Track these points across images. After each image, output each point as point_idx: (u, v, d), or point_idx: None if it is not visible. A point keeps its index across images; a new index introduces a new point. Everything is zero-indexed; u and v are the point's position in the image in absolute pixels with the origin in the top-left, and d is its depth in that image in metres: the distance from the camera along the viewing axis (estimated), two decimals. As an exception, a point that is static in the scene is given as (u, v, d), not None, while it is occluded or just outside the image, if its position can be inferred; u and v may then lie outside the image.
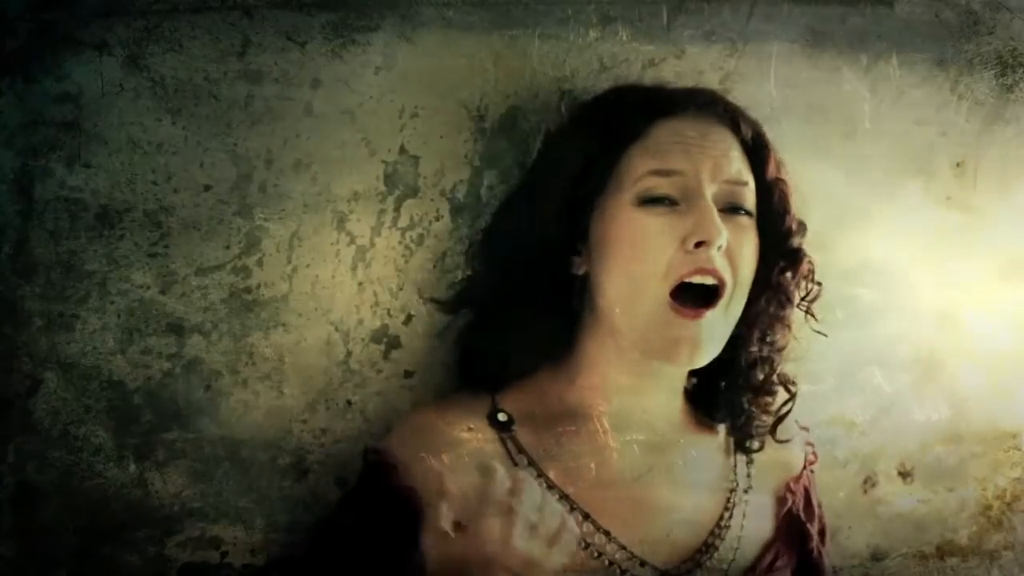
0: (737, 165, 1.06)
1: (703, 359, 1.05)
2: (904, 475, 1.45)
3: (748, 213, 1.07)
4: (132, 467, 1.16)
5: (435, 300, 1.21)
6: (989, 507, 1.49)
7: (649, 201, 1.03)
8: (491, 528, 0.87)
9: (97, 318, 1.14)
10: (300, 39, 1.16)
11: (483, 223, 1.21)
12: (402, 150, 1.20)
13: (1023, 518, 1.50)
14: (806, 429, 1.27)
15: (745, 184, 1.07)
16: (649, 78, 1.24)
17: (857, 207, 1.39)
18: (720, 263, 1.02)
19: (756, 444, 1.17)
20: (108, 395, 1.15)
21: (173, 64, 1.14)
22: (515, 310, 1.09)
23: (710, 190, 1.03)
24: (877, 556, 1.45)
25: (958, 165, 1.42)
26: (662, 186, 1.03)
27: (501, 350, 1.10)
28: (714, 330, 1.04)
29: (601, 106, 1.12)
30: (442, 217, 1.23)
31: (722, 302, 1.03)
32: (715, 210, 1.02)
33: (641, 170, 1.03)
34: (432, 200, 1.22)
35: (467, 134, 1.22)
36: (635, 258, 1.02)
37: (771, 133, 1.31)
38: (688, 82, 1.26)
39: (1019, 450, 1.49)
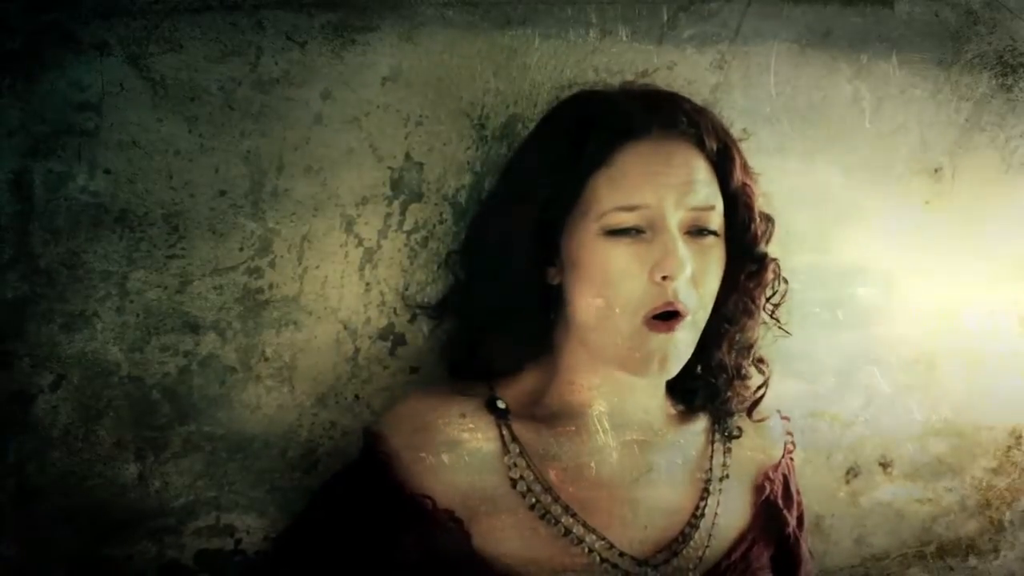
0: (703, 192, 1.06)
1: (674, 370, 1.07)
2: (888, 468, 1.46)
3: (714, 233, 1.07)
4: (150, 459, 1.19)
5: (422, 306, 1.25)
6: (988, 506, 1.50)
7: (615, 232, 1.04)
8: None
9: (116, 317, 1.17)
10: (300, 39, 1.18)
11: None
12: (407, 157, 1.23)
13: (1022, 517, 1.51)
14: (787, 419, 1.28)
15: (711, 208, 1.07)
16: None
17: (857, 207, 1.41)
18: (684, 292, 1.04)
19: (736, 430, 1.19)
20: (127, 390, 1.18)
21: (173, 64, 1.15)
22: (494, 316, 1.11)
23: (675, 218, 1.04)
24: (877, 555, 1.47)
25: (937, 171, 1.43)
26: (628, 220, 1.03)
27: (485, 351, 1.13)
28: (683, 342, 1.06)
29: (566, 125, 1.11)
30: (445, 220, 1.26)
31: (688, 318, 1.05)
32: (680, 241, 1.03)
33: (607, 204, 1.04)
34: (436, 204, 1.25)
35: (469, 141, 1.25)
36: (606, 286, 1.04)
37: (771, 133, 1.35)
38: (685, 84, 1.29)
39: (1019, 449, 1.50)
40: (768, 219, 1.16)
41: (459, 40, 1.24)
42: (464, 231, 1.24)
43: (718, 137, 1.09)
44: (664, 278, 1.02)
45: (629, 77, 1.26)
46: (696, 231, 1.06)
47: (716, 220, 1.07)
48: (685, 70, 1.32)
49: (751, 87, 1.35)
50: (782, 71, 1.36)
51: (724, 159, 1.09)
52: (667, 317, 1.04)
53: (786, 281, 1.19)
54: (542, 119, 1.16)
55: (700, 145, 1.07)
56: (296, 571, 1.10)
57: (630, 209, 1.03)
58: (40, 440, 1.17)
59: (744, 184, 1.11)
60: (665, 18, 1.31)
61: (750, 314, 1.15)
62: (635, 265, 1.03)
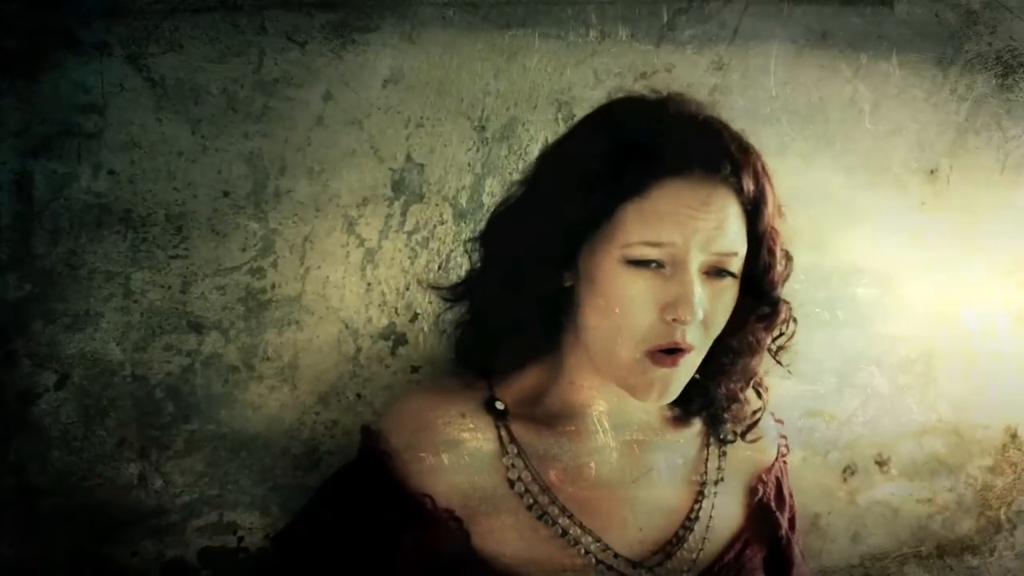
0: (729, 238, 1.03)
1: (673, 396, 1.07)
2: (884, 466, 1.47)
3: (732, 275, 1.05)
4: (153, 457, 1.21)
5: (436, 287, 1.23)
6: (986, 505, 1.50)
7: (635, 263, 1.02)
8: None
9: (120, 317, 1.18)
10: (300, 39, 1.19)
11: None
12: (408, 158, 1.24)
13: (1019, 516, 1.52)
14: (781, 422, 1.28)
15: (735, 255, 1.04)
16: (643, 86, 1.24)
17: (856, 207, 1.41)
18: (692, 332, 1.03)
19: (731, 435, 1.19)
20: (130, 390, 1.19)
21: (174, 65, 1.16)
22: (506, 309, 1.10)
23: (697, 260, 1.02)
24: (874, 554, 1.47)
25: (933, 171, 1.43)
26: (651, 254, 1.01)
27: (492, 343, 1.12)
28: (685, 372, 1.06)
29: (604, 143, 1.05)
30: (446, 221, 1.27)
31: (693, 353, 1.05)
32: (697, 284, 1.01)
33: (634, 236, 1.01)
34: (436, 205, 1.26)
35: (469, 143, 1.26)
36: (616, 314, 1.03)
37: (770, 133, 1.36)
38: (684, 86, 1.29)
39: (1016, 449, 1.51)
40: (788, 258, 1.13)
41: (459, 41, 1.25)
42: (465, 231, 1.25)
43: (757, 181, 1.05)
44: (674, 320, 1.02)
45: (629, 78, 1.28)
46: (715, 272, 1.04)
47: (737, 264, 1.05)
48: (684, 71, 1.33)
49: (750, 88, 1.36)
50: (781, 72, 1.37)
51: (758, 203, 1.06)
52: (671, 351, 1.04)
53: (795, 321, 1.16)
54: (580, 123, 1.13)
55: (738, 191, 1.03)
56: (296, 569, 1.11)
57: (655, 245, 1.01)
58: (41, 440, 1.18)
59: (771, 228, 1.08)
60: (664, 19, 1.32)
61: (754, 352, 1.13)
62: (648, 299, 1.02)
